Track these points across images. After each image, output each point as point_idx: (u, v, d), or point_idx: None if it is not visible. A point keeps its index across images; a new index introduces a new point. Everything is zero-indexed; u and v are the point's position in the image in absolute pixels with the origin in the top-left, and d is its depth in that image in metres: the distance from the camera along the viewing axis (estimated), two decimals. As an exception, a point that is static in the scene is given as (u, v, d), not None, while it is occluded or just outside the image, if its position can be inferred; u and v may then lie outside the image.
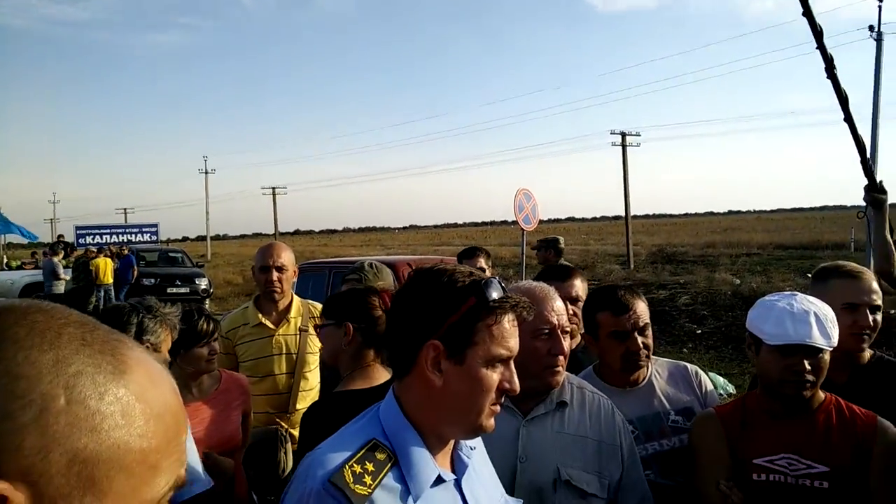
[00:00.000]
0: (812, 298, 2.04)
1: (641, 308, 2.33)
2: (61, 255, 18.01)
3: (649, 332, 2.35)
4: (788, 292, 2.11)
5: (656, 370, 2.45)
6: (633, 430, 2.30)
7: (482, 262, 4.84)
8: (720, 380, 8.55)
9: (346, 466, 1.21)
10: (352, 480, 1.20)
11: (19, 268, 19.59)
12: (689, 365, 2.52)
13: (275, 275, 3.40)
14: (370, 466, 1.23)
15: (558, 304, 2.04)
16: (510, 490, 1.88)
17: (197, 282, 19.27)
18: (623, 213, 29.83)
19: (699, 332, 12.81)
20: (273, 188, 47.90)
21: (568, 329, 2.04)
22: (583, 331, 2.58)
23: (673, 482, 2.24)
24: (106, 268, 17.30)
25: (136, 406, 0.57)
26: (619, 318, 2.30)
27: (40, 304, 0.58)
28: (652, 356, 2.45)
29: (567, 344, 2.03)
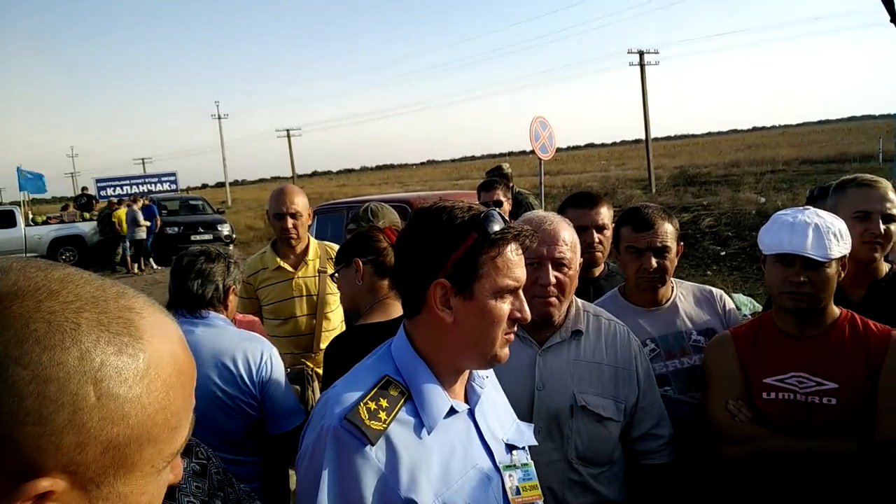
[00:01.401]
0: (822, 212, 2.01)
1: (665, 229, 2.33)
2: (139, 205, 18.17)
3: (669, 254, 2.35)
4: (802, 207, 2.09)
5: (680, 292, 2.47)
6: (654, 347, 2.34)
7: (500, 194, 4.82)
8: (744, 299, 8.50)
9: (361, 404, 1.25)
10: (367, 417, 1.23)
11: (45, 223, 19.92)
12: (713, 288, 2.52)
13: (289, 221, 3.42)
14: (384, 402, 1.27)
15: (549, 235, 2.00)
16: (528, 417, 1.92)
17: (219, 228, 19.50)
18: (643, 136, 29.25)
19: (723, 253, 12.73)
20: (287, 130, 47.63)
21: (566, 261, 2.02)
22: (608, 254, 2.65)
23: (691, 399, 2.28)
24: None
25: (157, 379, 0.60)
26: (638, 234, 2.33)
27: (47, 281, 0.57)
28: (675, 279, 2.46)
29: (564, 275, 2.00)
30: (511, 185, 5.96)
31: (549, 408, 1.99)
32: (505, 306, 1.33)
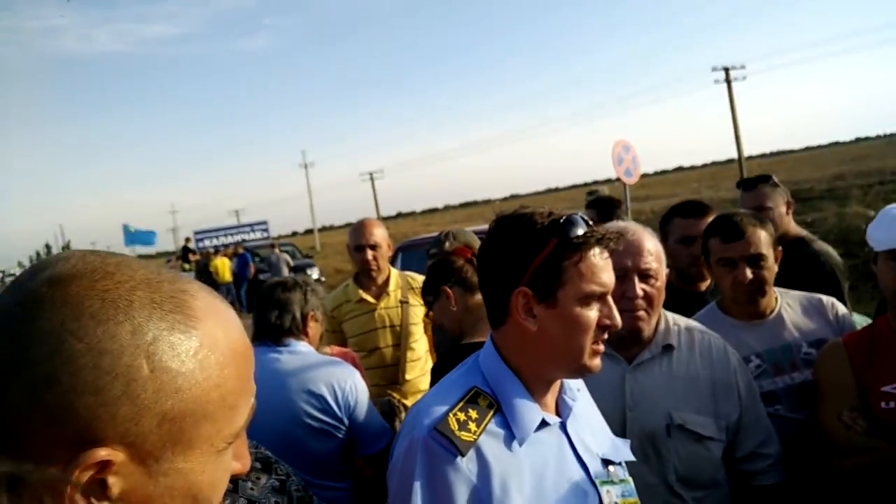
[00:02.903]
0: None
1: (758, 236, 2.16)
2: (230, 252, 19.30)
3: (766, 262, 2.18)
4: None
5: (786, 302, 2.29)
6: (759, 363, 2.18)
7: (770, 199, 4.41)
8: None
9: (451, 415, 1.22)
10: (457, 427, 1.20)
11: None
12: (823, 296, 2.32)
13: (369, 253, 3.45)
14: (474, 414, 1.24)
15: (636, 245, 1.91)
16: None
17: (308, 272, 20.18)
18: (735, 155, 28.18)
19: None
20: (370, 173, 49.06)
21: (652, 273, 1.91)
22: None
23: (805, 417, 2.10)
24: (224, 267, 18.41)
25: (210, 357, 0.61)
26: (728, 245, 2.17)
27: (104, 265, 0.60)
28: (779, 289, 2.29)
29: (652, 287, 1.90)
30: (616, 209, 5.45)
31: (643, 428, 1.86)
32: (592, 313, 1.27)
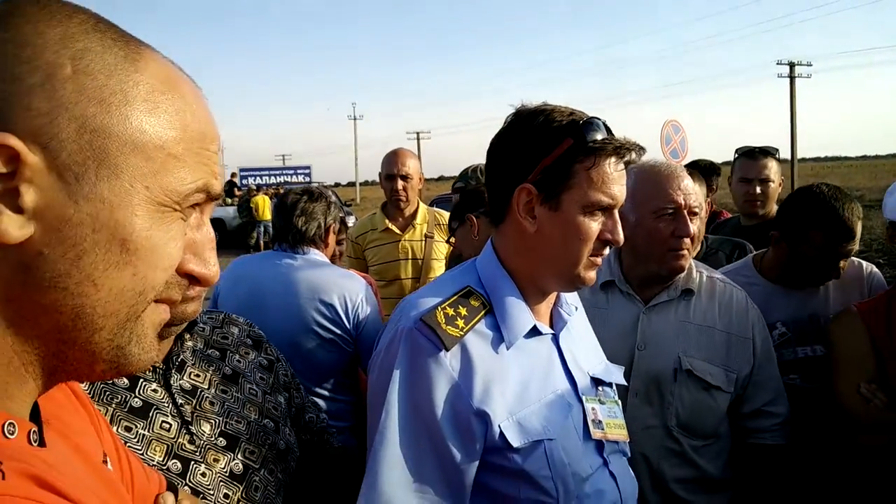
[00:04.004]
0: None
1: (859, 229, 2.05)
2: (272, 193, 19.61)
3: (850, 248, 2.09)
4: None
5: None
6: (784, 331, 2.12)
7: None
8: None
9: (439, 308, 1.18)
10: (443, 321, 1.16)
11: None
12: (865, 263, 2.23)
13: (400, 183, 3.43)
14: (463, 311, 1.20)
15: (686, 182, 1.86)
16: (626, 379, 1.78)
17: (347, 222, 20.37)
18: (788, 156, 27.32)
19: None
20: (417, 133, 48.88)
21: (697, 210, 1.86)
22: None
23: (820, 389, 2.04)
24: (264, 205, 18.62)
25: (148, 93, 0.58)
26: (835, 242, 2.02)
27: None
28: None
29: (696, 227, 1.85)
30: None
31: (650, 369, 1.83)
32: (594, 224, 1.21)
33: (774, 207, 3.13)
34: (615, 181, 1.21)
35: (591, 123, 1.19)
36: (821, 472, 2.00)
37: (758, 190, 3.07)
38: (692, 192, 1.86)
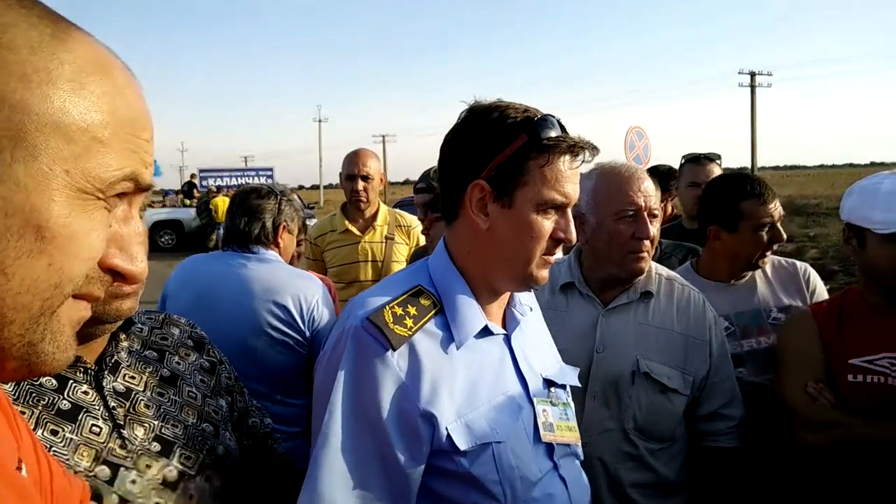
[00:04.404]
0: None
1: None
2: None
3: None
4: (886, 172, 1.85)
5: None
6: (728, 326, 2.14)
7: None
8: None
9: (387, 307, 1.14)
10: (391, 320, 1.13)
11: (149, 206, 21.20)
12: (798, 262, 2.29)
13: (360, 184, 3.37)
14: (413, 310, 1.16)
15: (646, 184, 1.85)
16: (584, 381, 1.77)
17: (307, 223, 20.18)
18: (748, 164, 27.98)
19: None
20: (383, 136, 48.75)
21: (657, 213, 1.86)
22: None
23: (768, 382, 2.07)
24: (224, 206, 18.26)
25: (74, 73, 0.54)
26: (765, 208, 2.12)
27: None
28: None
29: (655, 229, 1.84)
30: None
31: (609, 372, 1.81)
32: (547, 223, 1.18)
33: None
34: (569, 179, 1.19)
35: (545, 121, 1.17)
36: (772, 472, 2.01)
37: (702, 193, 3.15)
38: (652, 194, 1.86)
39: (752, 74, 27.46)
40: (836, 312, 1.90)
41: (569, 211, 1.21)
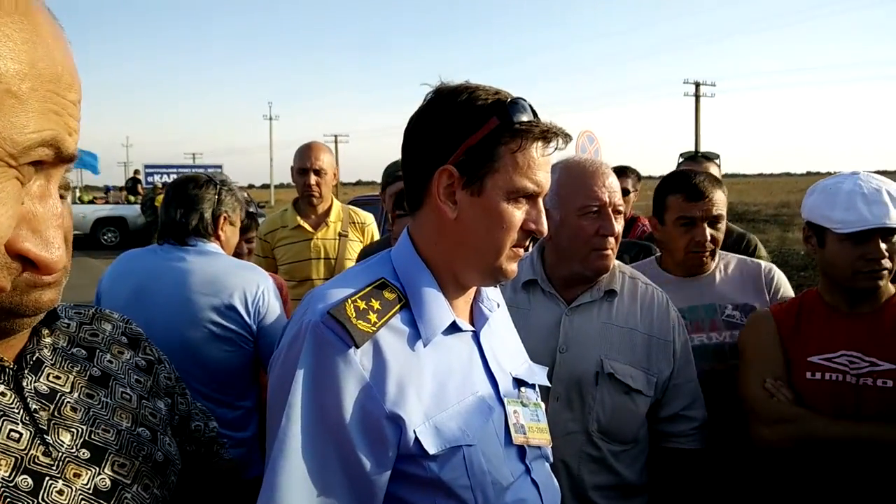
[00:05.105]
0: (874, 175, 1.82)
1: (718, 198, 2.15)
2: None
3: (721, 224, 2.18)
4: (848, 173, 1.86)
5: (723, 263, 2.25)
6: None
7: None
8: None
9: (349, 301, 1.06)
10: (354, 315, 1.04)
11: (91, 202, 20.43)
12: (764, 263, 2.28)
13: (313, 178, 3.26)
14: (376, 304, 1.08)
15: (611, 180, 1.81)
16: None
17: (254, 215, 19.78)
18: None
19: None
20: (335, 136, 48.29)
21: (621, 209, 1.82)
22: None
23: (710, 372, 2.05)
24: (171, 204, 17.79)
25: None
26: (691, 204, 2.12)
27: None
28: (720, 251, 2.25)
29: (619, 225, 1.80)
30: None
31: (572, 372, 1.76)
32: (518, 213, 1.12)
33: None
34: (541, 167, 1.13)
35: (516, 104, 1.11)
36: (731, 474, 1.99)
37: None
38: (617, 189, 1.82)
39: (697, 84, 28.24)
40: (795, 311, 1.90)
41: (540, 201, 1.15)
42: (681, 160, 3.46)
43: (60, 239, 0.52)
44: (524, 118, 1.10)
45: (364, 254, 2.85)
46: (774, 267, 2.24)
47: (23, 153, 0.47)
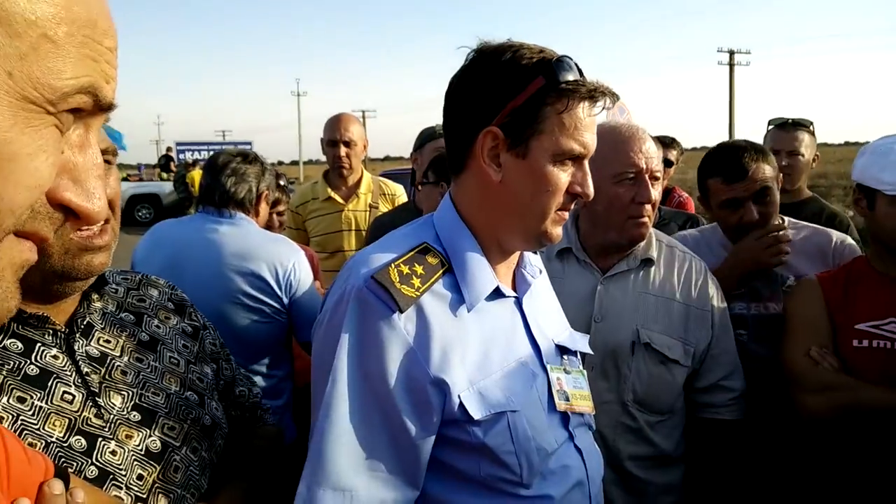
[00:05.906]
0: None
1: (761, 172, 2.00)
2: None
3: (771, 197, 2.04)
4: None
5: (791, 233, 2.11)
6: (739, 287, 2.06)
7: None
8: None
9: (393, 265, 1.06)
10: (397, 279, 1.04)
11: (125, 179, 20.78)
12: (835, 233, 2.16)
13: (343, 150, 3.26)
14: (419, 269, 1.07)
15: (648, 145, 1.77)
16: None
17: (286, 189, 19.95)
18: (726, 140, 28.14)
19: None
20: (363, 111, 48.24)
21: (658, 175, 1.78)
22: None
23: (766, 350, 1.98)
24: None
25: None
26: (732, 185, 2.01)
27: None
28: (790, 220, 2.15)
29: (657, 192, 1.77)
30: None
31: (607, 342, 1.75)
32: (563, 175, 1.10)
33: (804, 184, 3.08)
34: (587, 128, 1.10)
35: (562, 62, 1.08)
36: (771, 445, 1.97)
37: (784, 162, 2.93)
38: (654, 155, 1.77)
39: (731, 53, 27.49)
40: (843, 278, 1.85)
41: (586, 163, 1.13)
42: (770, 127, 3.23)
43: (102, 190, 0.51)
44: (570, 77, 1.07)
45: (378, 223, 2.83)
46: (848, 238, 2.14)
47: (61, 100, 0.45)
